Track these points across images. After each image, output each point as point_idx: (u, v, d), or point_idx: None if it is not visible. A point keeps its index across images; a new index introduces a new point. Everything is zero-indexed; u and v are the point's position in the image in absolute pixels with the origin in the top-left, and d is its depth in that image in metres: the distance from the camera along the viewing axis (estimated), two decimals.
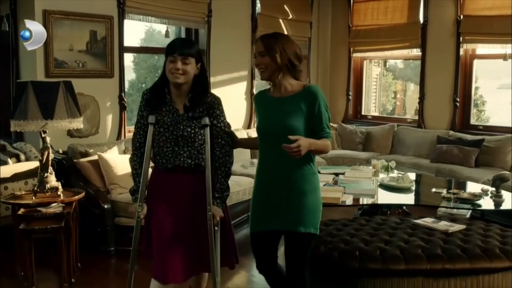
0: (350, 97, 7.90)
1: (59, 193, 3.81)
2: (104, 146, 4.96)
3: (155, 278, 2.59)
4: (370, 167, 4.88)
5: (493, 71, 7.47)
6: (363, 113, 8.06)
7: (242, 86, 6.89)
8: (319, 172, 4.53)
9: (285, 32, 6.92)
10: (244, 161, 6.05)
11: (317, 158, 2.84)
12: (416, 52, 7.13)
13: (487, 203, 3.99)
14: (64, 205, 3.73)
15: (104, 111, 5.38)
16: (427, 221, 3.63)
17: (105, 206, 4.39)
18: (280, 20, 7.12)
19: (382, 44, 7.40)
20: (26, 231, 3.45)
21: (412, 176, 4.75)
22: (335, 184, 4.18)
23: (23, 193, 3.96)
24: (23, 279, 3.73)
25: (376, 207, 4.46)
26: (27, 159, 4.58)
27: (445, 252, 3.09)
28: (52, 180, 3.84)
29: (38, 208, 3.63)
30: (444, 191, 4.12)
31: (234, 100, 6.57)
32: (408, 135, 6.92)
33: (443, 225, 3.55)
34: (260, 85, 6.73)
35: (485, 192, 4.14)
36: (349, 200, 3.79)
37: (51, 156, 3.87)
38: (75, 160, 4.70)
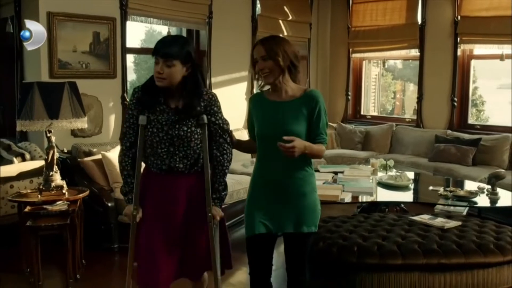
0: (349, 97, 7.98)
1: (64, 191, 3.90)
2: (107, 146, 5.04)
3: (139, 285, 2.55)
4: (369, 166, 4.95)
5: (493, 71, 7.54)
6: (362, 113, 8.15)
7: (243, 86, 6.97)
8: (318, 171, 4.64)
9: (285, 33, 7.02)
10: (244, 161, 6.12)
11: None
12: (415, 52, 7.22)
13: (483, 201, 4.06)
14: (69, 203, 3.81)
15: (107, 111, 5.47)
16: (424, 217, 3.72)
17: (109, 204, 4.48)
18: (280, 21, 7.20)
19: (381, 44, 7.48)
20: (33, 228, 3.53)
21: (410, 175, 4.82)
22: (334, 183, 4.25)
23: (29, 191, 4.04)
24: (29, 275, 3.81)
25: (374, 204, 4.54)
26: (32, 158, 4.66)
27: (441, 247, 3.18)
28: (57, 178, 3.93)
29: (44, 206, 3.71)
30: (441, 189, 4.19)
31: (234, 100, 6.66)
32: (407, 134, 7.00)
33: (439, 221, 3.63)
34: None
35: (481, 190, 4.21)
36: (347, 198, 3.87)
37: (56, 155, 3.95)
38: (79, 159, 4.78)
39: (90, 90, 5.16)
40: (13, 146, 4.81)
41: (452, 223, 3.58)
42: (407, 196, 4.56)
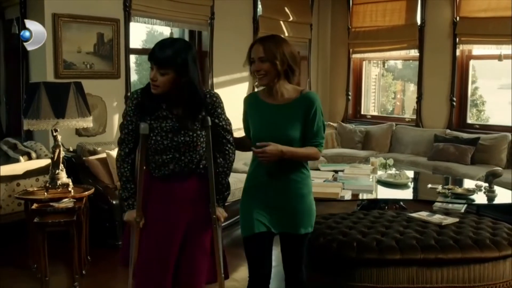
0: (350, 97, 8.06)
1: (70, 189, 3.97)
2: (111, 145, 5.11)
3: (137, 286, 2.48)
4: (369, 165, 5.02)
5: (493, 71, 7.61)
6: (362, 112, 8.23)
7: (244, 86, 7.04)
8: (318, 170, 4.72)
9: (286, 34, 7.09)
10: (246, 159, 6.19)
11: None
12: (414, 53, 7.30)
13: (480, 198, 4.13)
14: (75, 200, 3.87)
15: (111, 111, 5.55)
16: (422, 214, 3.79)
17: (114, 202, 4.55)
18: (281, 22, 7.27)
19: (381, 45, 7.56)
20: (40, 224, 3.61)
21: (409, 173, 4.88)
22: (334, 181, 4.32)
23: (35, 189, 4.10)
24: (36, 270, 3.90)
25: (374, 202, 4.61)
26: (38, 157, 4.73)
27: (438, 243, 3.25)
28: (63, 176, 4.00)
29: (51, 203, 3.78)
30: (440, 187, 4.26)
31: (236, 101, 6.67)
32: (406, 134, 7.08)
33: (437, 218, 3.70)
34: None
35: (479, 188, 4.27)
36: (347, 195, 3.95)
37: (62, 153, 4.03)
38: (84, 158, 4.85)
39: (94, 90, 5.23)
40: (19, 145, 4.88)
41: (450, 220, 3.65)
42: (406, 194, 4.62)
